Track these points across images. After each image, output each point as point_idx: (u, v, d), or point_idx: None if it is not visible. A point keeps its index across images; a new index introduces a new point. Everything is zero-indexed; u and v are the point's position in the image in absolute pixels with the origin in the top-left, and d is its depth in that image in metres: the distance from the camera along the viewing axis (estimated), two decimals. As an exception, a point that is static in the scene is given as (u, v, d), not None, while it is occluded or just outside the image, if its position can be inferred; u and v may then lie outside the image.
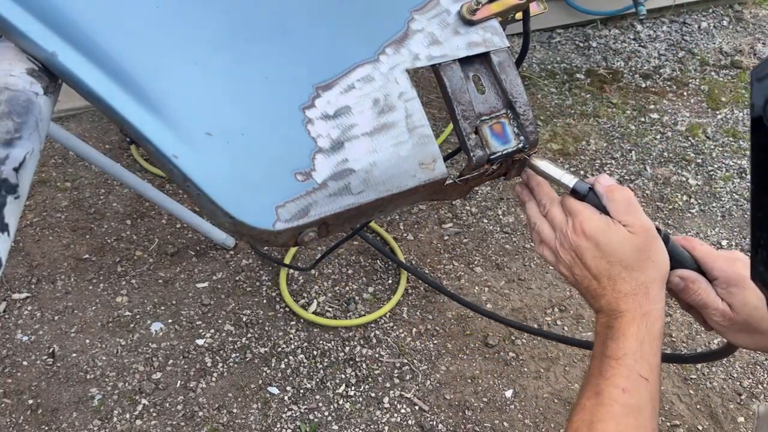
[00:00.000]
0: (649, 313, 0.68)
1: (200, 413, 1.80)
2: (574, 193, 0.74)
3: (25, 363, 1.89)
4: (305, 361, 1.94)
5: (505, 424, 1.83)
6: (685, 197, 2.58)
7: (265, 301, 2.10)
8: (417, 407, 1.85)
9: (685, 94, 3.15)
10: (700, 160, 2.76)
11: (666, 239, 0.73)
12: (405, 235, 2.34)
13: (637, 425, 0.64)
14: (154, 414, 1.79)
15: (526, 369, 1.95)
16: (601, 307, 0.72)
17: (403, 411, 1.84)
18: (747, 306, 0.72)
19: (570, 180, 0.75)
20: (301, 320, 2.04)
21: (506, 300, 2.15)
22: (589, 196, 0.73)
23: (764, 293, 0.56)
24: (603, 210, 0.72)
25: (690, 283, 0.74)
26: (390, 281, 2.18)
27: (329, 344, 1.99)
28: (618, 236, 0.69)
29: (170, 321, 2.02)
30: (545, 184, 0.78)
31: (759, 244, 0.52)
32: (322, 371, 1.92)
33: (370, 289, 2.15)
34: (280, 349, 1.97)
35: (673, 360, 1.35)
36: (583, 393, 0.68)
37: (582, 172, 2.66)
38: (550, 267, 2.22)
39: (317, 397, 1.86)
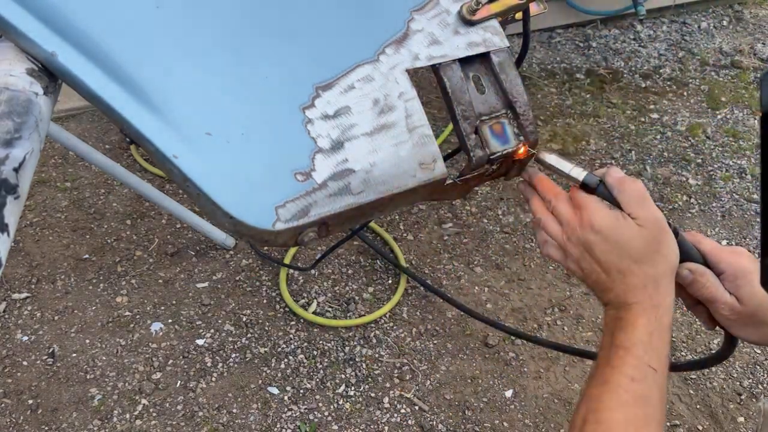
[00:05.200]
0: (659, 305, 0.68)
1: (200, 413, 1.80)
2: (584, 186, 0.73)
3: (25, 363, 1.89)
4: (305, 361, 1.94)
5: (505, 424, 1.83)
6: (685, 197, 2.58)
7: (265, 301, 2.10)
8: (417, 407, 1.85)
9: (685, 94, 3.15)
10: (700, 160, 2.76)
11: (675, 233, 0.73)
12: (405, 235, 2.34)
13: (645, 414, 0.64)
14: (154, 414, 1.79)
15: (526, 369, 1.95)
16: (610, 300, 0.71)
17: (403, 411, 1.84)
18: (755, 298, 0.72)
19: (579, 173, 0.74)
20: (301, 320, 2.04)
21: (506, 300, 2.15)
22: (599, 188, 0.72)
23: None
24: (614, 203, 0.71)
25: (699, 277, 0.73)
26: (390, 281, 2.18)
27: (329, 344, 1.99)
28: (628, 230, 0.69)
29: (170, 321, 2.02)
30: (547, 179, 0.78)
31: None
32: (322, 371, 1.92)
33: (370, 289, 2.15)
34: (280, 349, 1.97)
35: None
36: (591, 382, 0.68)
37: (582, 172, 2.66)
38: (551, 267, 2.23)
39: (317, 397, 1.86)
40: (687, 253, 0.74)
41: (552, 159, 0.77)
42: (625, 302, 0.69)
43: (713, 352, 0.86)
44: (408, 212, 2.43)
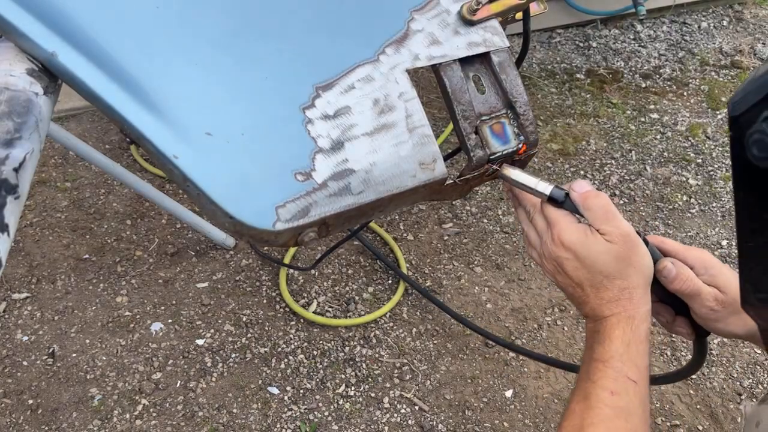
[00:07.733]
0: (634, 316, 0.68)
1: (200, 413, 1.80)
2: (552, 200, 0.73)
3: (25, 363, 1.89)
4: (305, 361, 1.94)
5: (505, 424, 1.83)
6: (685, 197, 2.58)
7: (265, 301, 2.10)
8: (417, 407, 1.85)
9: (685, 94, 3.15)
10: (700, 160, 2.76)
11: (644, 240, 0.72)
12: (405, 235, 2.34)
13: (628, 428, 0.64)
14: (154, 414, 1.79)
15: (525, 369, 1.95)
16: (586, 312, 0.72)
17: (403, 411, 1.84)
18: (732, 285, 0.73)
19: (545, 187, 0.73)
20: (301, 320, 2.04)
21: (506, 300, 2.15)
22: (566, 203, 0.72)
23: (756, 321, 0.55)
24: (582, 215, 0.71)
25: (681, 269, 0.73)
26: (390, 281, 2.18)
27: (329, 344, 1.99)
28: (597, 247, 0.69)
29: (170, 321, 2.02)
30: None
31: (748, 272, 0.51)
32: (322, 371, 1.92)
33: (370, 289, 2.15)
34: (280, 349, 1.97)
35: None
36: (573, 397, 0.68)
37: (582, 173, 2.66)
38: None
39: (317, 397, 1.86)
40: (652, 256, 0.74)
41: (515, 174, 0.75)
42: (601, 315, 0.70)
43: (686, 363, 0.86)
44: (408, 212, 2.42)
